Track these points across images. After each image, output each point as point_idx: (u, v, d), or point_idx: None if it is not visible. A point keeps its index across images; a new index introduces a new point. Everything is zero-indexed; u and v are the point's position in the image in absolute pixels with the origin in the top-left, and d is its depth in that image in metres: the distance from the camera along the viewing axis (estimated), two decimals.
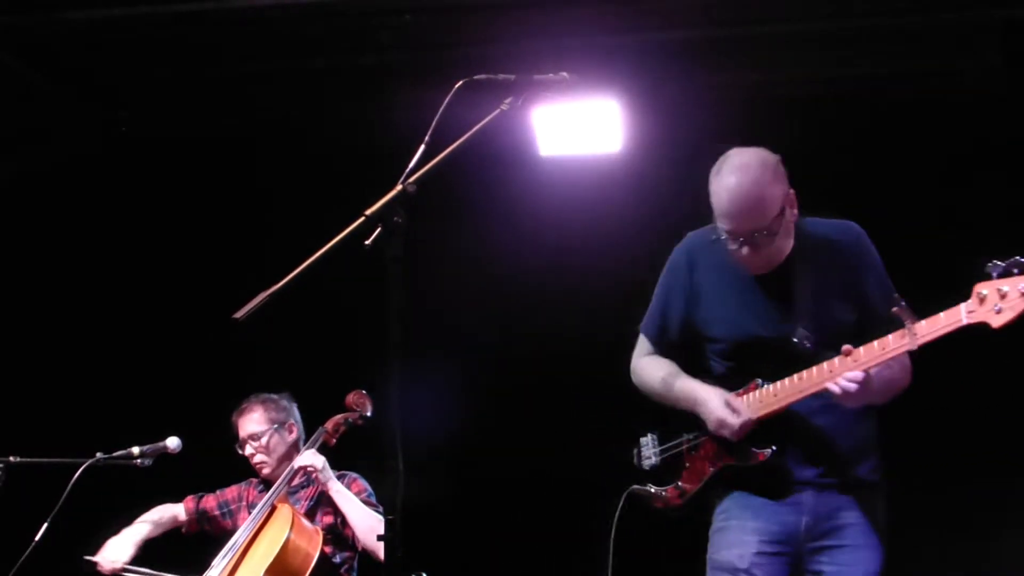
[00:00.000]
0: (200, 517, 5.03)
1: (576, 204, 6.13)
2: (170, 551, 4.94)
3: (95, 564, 4.75)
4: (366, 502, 4.80)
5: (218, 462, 5.11)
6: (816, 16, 5.60)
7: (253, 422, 4.96)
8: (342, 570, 4.82)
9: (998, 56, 5.63)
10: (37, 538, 4.30)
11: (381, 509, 4.65)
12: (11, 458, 4.45)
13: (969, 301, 3.13)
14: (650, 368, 3.80)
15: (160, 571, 4.75)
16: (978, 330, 3.16)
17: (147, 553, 4.86)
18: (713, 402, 3.55)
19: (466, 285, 6.23)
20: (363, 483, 4.90)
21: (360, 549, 4.82)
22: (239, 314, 2.67)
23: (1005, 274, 3.07)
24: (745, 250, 3.44)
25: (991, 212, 5.66)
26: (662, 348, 3.80)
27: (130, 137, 6.52)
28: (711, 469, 3.63)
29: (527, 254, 6.19)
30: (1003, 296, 3.06)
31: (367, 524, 4.67)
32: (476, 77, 2.97)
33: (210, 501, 5.06)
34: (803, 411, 3.53)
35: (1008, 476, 5.61)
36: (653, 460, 3.77)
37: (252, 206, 6.51)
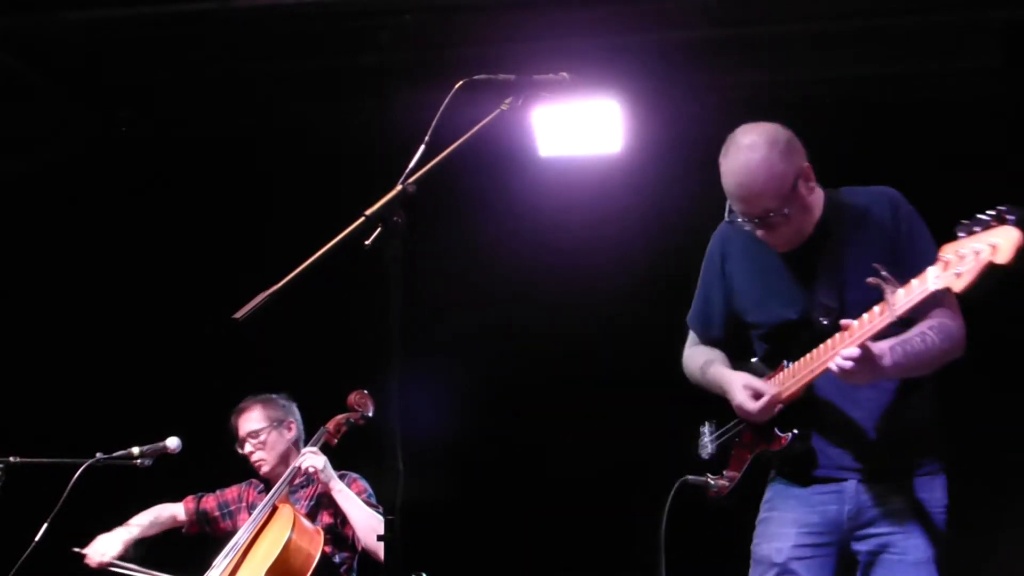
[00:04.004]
0: (200, 518, 5.03)
1: (576, 204, 6.12)
2: (171, 551, 4.94)
3: (83, 557, 4.76)
4: (366, 502, 4.80)
5: (218, 462, 5.11)
6: (816, 16, 5.60)
7: (252, 420, 4.97)
8: (341, 570, 4.83)
9: (998, 56, 5.63)
10: (37, 538, 4.30)
11: (381, 510, 4.65)
12: (11, 458, 4.45)
13: (936, 265, 2.95)
14: (693, 357, 3.73)
15: (160, 571, 4.76)
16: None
17: (146, 553, 4.86)
18: (735, 387, 3.46)
19: (466, 285, 6.22)
20: (363, 483, 4.90)
21: (360, 549, 4.83)
22: (239, 314, 2.66)
23: (969, 233, 2.88)
24: (760, 232, 3.37)
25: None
26: (709, 341, 3.73)
27: (130, 137, 6.52)
28: (749, 456, 3.54)
29: (527, 254, 6.18)
30: (962, 258, 2.87)
31: (368, 524, 4.68)
32: (476, 77, 2.97)
33: (210, 502, 5.06)
34: (841, 393, 3.37)
35: (1008, 475, 5.60)
36: (710, 448, 3.68)
37: (252, 206, 6.51)
